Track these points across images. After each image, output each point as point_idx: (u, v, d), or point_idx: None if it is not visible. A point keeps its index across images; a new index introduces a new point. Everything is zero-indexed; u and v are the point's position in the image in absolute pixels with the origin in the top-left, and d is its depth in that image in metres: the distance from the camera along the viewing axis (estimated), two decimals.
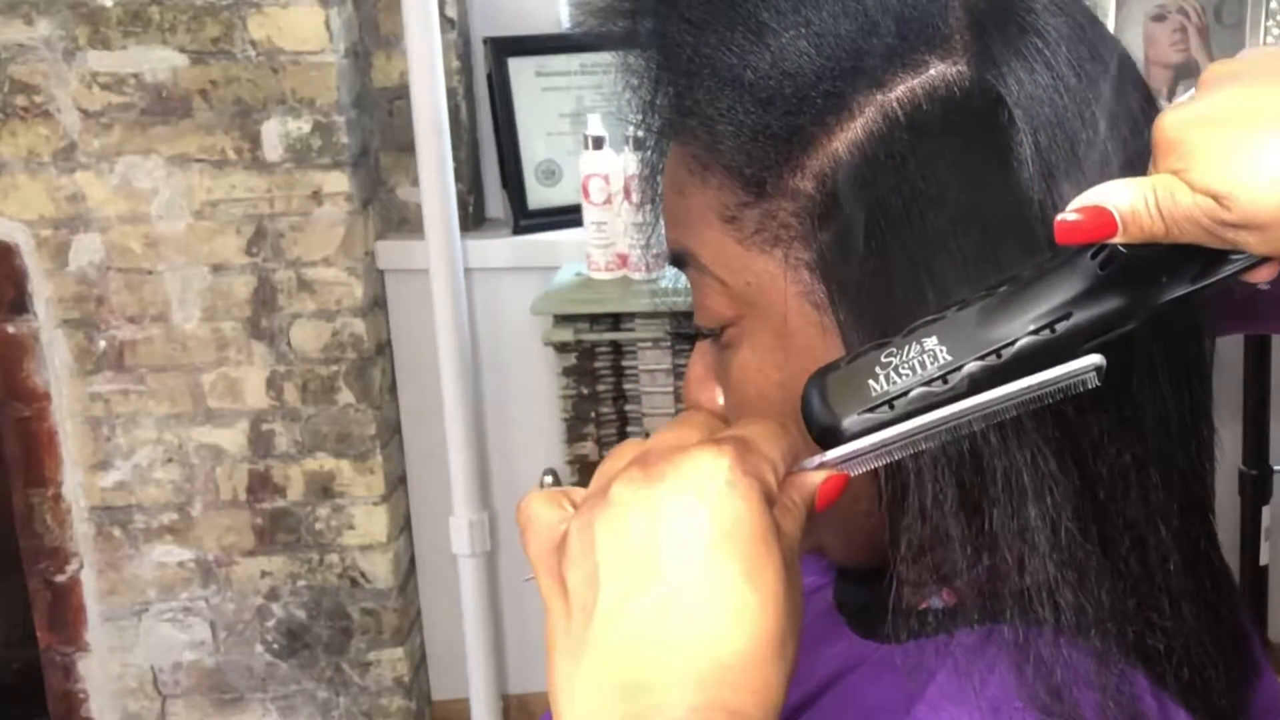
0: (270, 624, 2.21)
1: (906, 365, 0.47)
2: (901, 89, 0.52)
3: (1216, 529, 0.58)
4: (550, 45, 2.18)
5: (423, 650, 2.35)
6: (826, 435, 0.49)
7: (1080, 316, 0.46)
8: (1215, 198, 0.43)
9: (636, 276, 1.96)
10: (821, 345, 0.54)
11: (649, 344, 1.91)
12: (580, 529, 0.47)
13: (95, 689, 2.22)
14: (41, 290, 2.07)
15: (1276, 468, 1.99)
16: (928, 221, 0.50)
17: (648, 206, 0.62)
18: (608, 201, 1.96)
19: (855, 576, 0.63)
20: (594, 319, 1.92)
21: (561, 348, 1.92)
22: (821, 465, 0.49)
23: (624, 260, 1.98)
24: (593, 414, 1.94)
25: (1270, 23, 2.13)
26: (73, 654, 2.20)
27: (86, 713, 2.23)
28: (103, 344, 2.10)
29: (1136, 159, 0.51)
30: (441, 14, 2.06)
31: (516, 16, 2.21)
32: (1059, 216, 0.45)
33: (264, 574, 2.19)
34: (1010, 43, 0.52)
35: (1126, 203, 0.44)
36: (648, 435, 2.02)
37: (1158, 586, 0.52)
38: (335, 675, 2.24)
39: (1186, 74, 2.17)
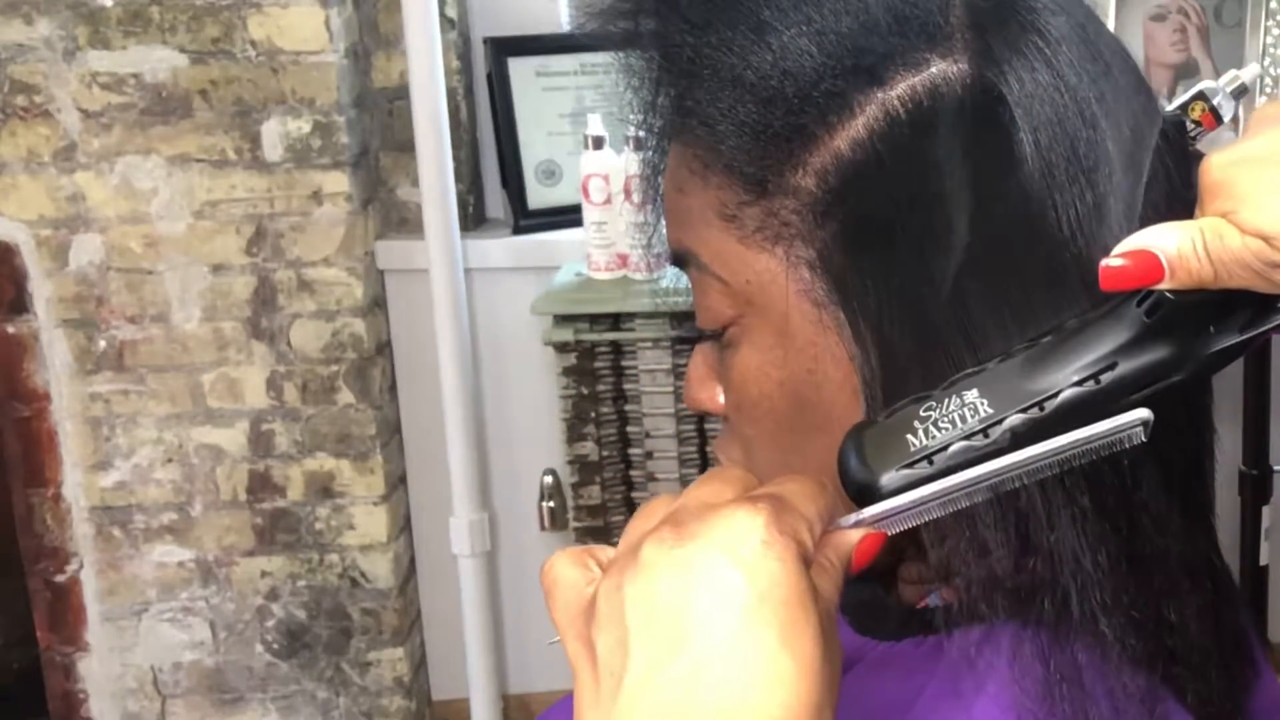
0: (270, 624, 2.21)
1: (946, 419, 0.46)
2: (902, 87, 0.52)
3: (1216, 529, 0.58)
4: (550, 45, 2.18)
5: (423, 650, 2.35)
6: (864, 492, 0.47)
7: (1125, 367, 0.44)
8: (1265, 239, 0.42)
9: (636, 276, 1.96)
10: (822, 343, 0.54)
11: (649, 344, 1.91)
12: (609, 592, 0.44)
13: (95, 689, 2.22)
14: (41, 290, 2.07)
15: (1276, 468, 1.99)
16: (928, 219, 0.51)
17: (649, 206, 0.62)
18: (608, 201, 1.96)
19: (855, 575, 0.63)
20: (594, 319, 1.92)
21: (561, 348, 1.92)
22: (859, 523, 0.47)
23: (624, 260, 1.98)
24: (593, 414, 1.94)
25: (1270, 23, 2.13)
26: (73, 654, 2.20)
27: (86, 713, 2.23)
28: (103, 344, 2.10)
29: (1137, 160, 0.51)
30: (441, 14, 2.06)
31: (516, 16, 2.21)
32: (1104, 262, 0.43)
33: (264, 574, 2.19)
34: (1011, 41, 0.52)
35: (1174, 246, 0.43)
36: (648, 435, 2.00)
37: (1157, 587, 0.52)
38: (335, 675, 2.24)
39: (1186, 74, 2.17)
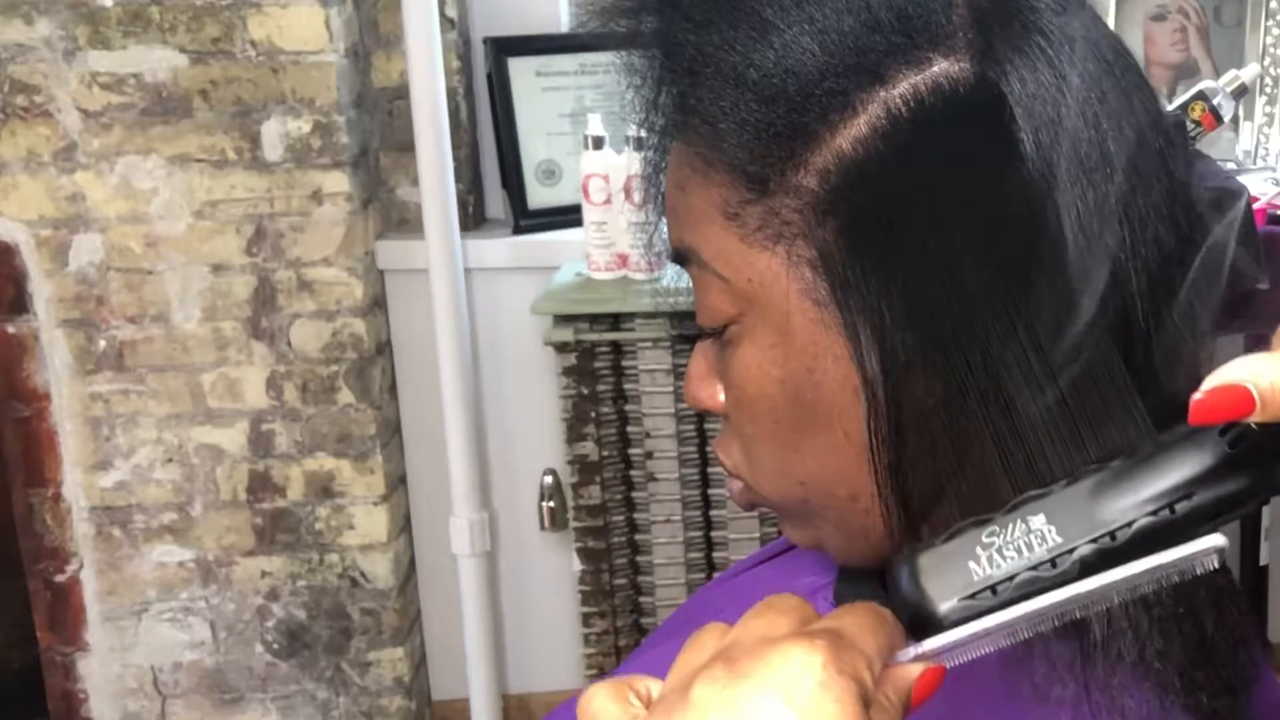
0: (270, 624, 2.21)
1: (1011, 546, 0.43)
2: (905, 86, 0.52)
3: None
4: (550, 45, 2.18)
5: (423, 650, 2.35)
6: (923, 622, 0.44)
7: (1202, 497, 0.43)
8: None
9: (636, 276, 1.96)
10: (823, 342, 0.54)
11: (649, 344, 1.91)
12: None
13: (95, 689, 2.22)
14: (41, 290, 2.07)
15: None
16: (929, 217, 0.51)
17: (649, 205, 0.63)
18: (608, 201, 1.96)
19: (856, 575, 0.63)
20: (594, 319, 1.92)
21: (561, 348, 1.92)
22: (919, 657, 0.44)
23: (624, 260, 1.98)
24: (593, 414, 1.94)
25: (1270, 23, 2.14)
26: (73, 654, 2.20)
27: (86, 713, 2.23)
28: (103, 344, 2.10)
29: (1138, 160, 0.51)
30: (441, 14, 2.06)
31: (516, 16, 2.21)
32: (1195, 397, 0.42)
33: (264, 574, 2.19)
34: (1013, 41, 0.52)
35: (1267, 380, 0.41)
36: (648, 435, 2.00)
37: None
38: (335, 675, 2.24)
39: (1186, 74, 2.17)
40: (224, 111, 2.02)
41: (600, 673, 1.98)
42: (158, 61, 2.00)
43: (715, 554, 2.00)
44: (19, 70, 1.99)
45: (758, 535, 1.97)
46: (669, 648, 0.71)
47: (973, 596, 0.43)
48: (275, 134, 2.03)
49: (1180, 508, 0.43)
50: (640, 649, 0.77)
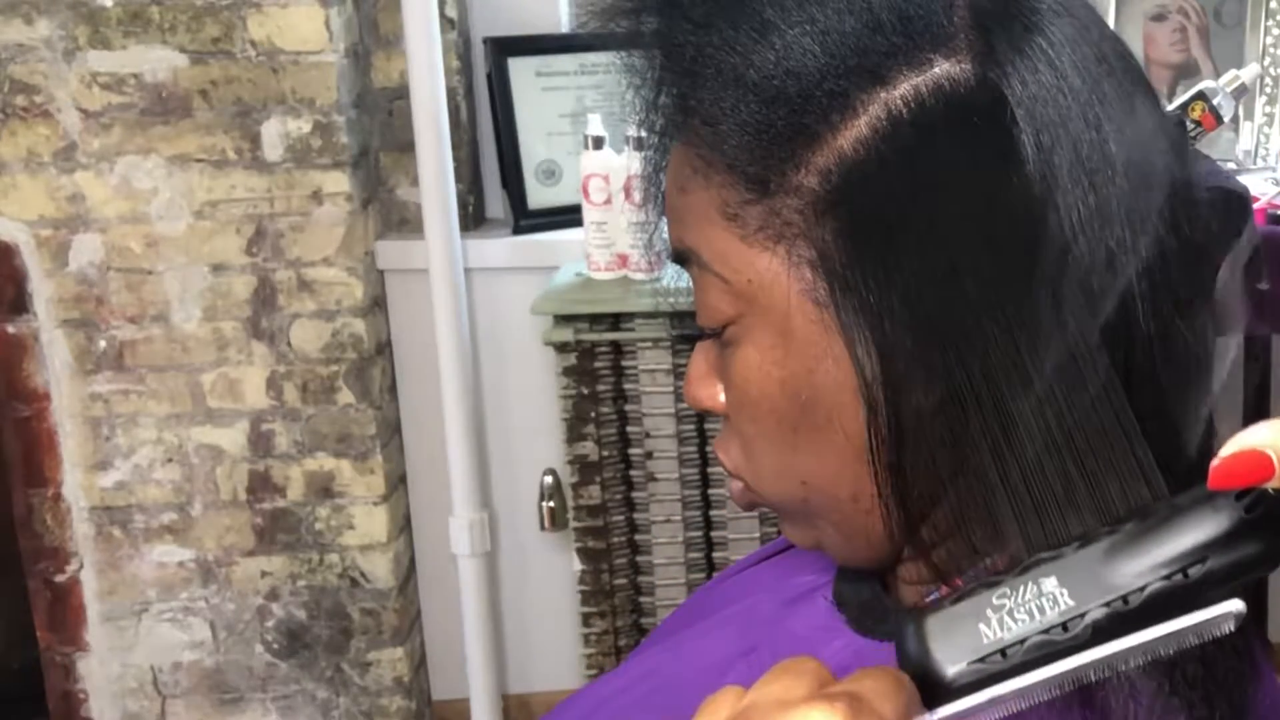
0: (270, 624, 2.21)
1: (1023, 609, 0.43)
2: (905, 87, 0.52)
3: None
4: (550, 45, 2.18)
5: (423, 650, 2.35)
6: (931, 685, 0.43)
7: (1216, 562, 0.42)
8: None
9: (636, 276, 1.96)
10: (823, 343, 0.54)
11: (649, 344, 1.91)
12: None
13: (95, 689, 2.22)
14: (41, 290, 2.07)
15: None
16: (930, 218, 0.51)
17: (650, 205, 0.62)
18: (608, 201, 1.96)
19: (855, 575, 0.64)
20: (594, 319, 1.92)
21: (561, 348, 1.92)
22: None
23: (624, 260, 1.98)
24: (593, 414, 1.94)
25: (1270, 23, 2.14)
26: (73, 654, 2.20)
27: (86, 713, 2.23)
28: (103, 344, 2.10)
29: (1140, 162, 0.51)
30: (441, 14, 2.06)
31: (516, 16, 2.21)
32: (1214, 462, 0.42)
33: (264, 574, 2.19)
34: (1014, 42, 0.52)
35: None
36: (648, 435, 2.00)
37: None
38: (335, 675, 2.24)
39: (1186, 74, 2.17)
40: (224, 111, 2.02)
41: (600, 673, 1.97)
42: (158, 61, 2.00)
43: (715, 554, 2.00)
44: (19, 70, 1.99)
45: (758, 535, 1.97)
46: (669, 645, 0.71)
47: (982, 660, 0.43)
48: (275, 134, 2.03)
49: (1194, 572, 0.42)
50: (640, 648, 0.77)
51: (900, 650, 0.44)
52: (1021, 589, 0.43)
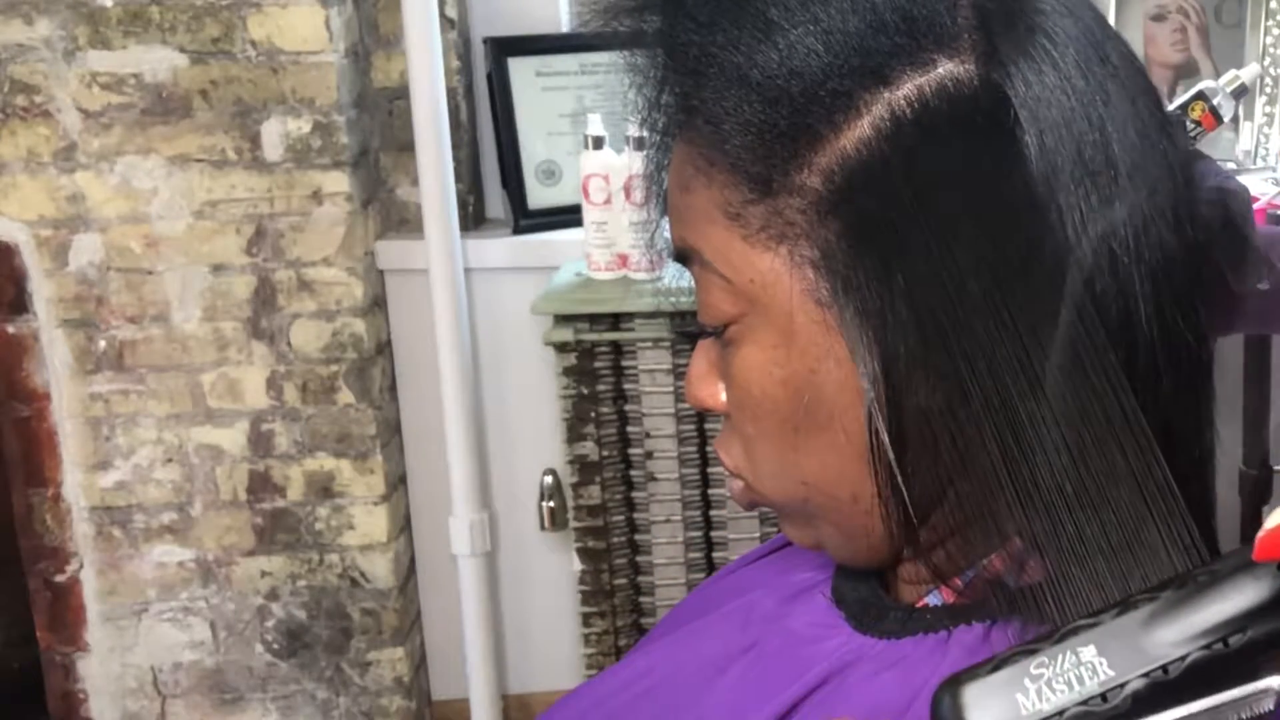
0: (270, 624, 2.21)
1: (1061, 679, 0.42)
2: (909, 87, 0.52)
3: (1217, 530, 0.58)
4: (550, 45, 2.18)
5: (423, 650, 2.35)
6: None
7: (1256, 631, 0.42)
8: None
9: (637, 276, 1.96)
10: (825, 343, 0.54)
11: (649, 344, 1.91)
12: None
13: (95, 689, 2.22)
14: (41, 290, 2.07)
15: (1276, 468, 1.99)
16: (933, 220, 0.50)
17: (651, 204, 0.62)
18: (608, 201, 1.96)
19: (854, 572, 0.64)
20: (594, 319, 1.92)
21: (561, 348, 1.92)
22: None
23: (624, 260, 1.98)
24: (593, 414, 1.94)
25: (1270, 23, 2.13)
26: (73, 654, 2.20)
27: (86, 713, 2.23)
28: (103, 344, 2.10)
29: (1143, 163, 0.51)
30: (441, 14, 2.06)
31: (516, 16, 2.21)
32: (1261, 534, 0.41)
33: (264, 574, 2.19)
34: (1018, 43, 0.52)
35: None
36: (648, 435, 2.00)
37: None
38: (335, 675, 2.24)
39: (1186, 74, 2.17)
40: (224, 111, 2.02)
41: (600, 672, 1.97)
42: (158, 61, 2.00)
43: (715, 554, 2.00)
44: (19, 70, 1.99)
45: (758, 535, 1.97)
46: (668, 641, 0.71)
47: None
48: (275, 134, 2.03)
49: (1234, 641, 0.42)
50: (639, 645, 0.77)
51: (936, 718, 0.44)
52: (1060, 658, 0.42)
